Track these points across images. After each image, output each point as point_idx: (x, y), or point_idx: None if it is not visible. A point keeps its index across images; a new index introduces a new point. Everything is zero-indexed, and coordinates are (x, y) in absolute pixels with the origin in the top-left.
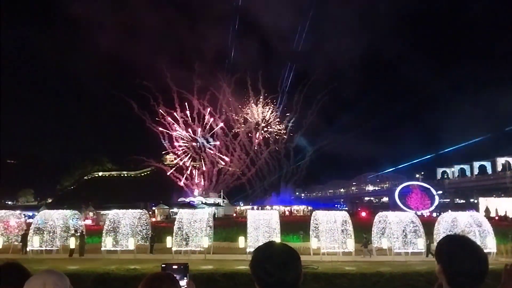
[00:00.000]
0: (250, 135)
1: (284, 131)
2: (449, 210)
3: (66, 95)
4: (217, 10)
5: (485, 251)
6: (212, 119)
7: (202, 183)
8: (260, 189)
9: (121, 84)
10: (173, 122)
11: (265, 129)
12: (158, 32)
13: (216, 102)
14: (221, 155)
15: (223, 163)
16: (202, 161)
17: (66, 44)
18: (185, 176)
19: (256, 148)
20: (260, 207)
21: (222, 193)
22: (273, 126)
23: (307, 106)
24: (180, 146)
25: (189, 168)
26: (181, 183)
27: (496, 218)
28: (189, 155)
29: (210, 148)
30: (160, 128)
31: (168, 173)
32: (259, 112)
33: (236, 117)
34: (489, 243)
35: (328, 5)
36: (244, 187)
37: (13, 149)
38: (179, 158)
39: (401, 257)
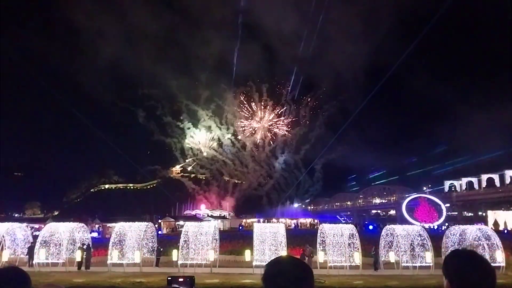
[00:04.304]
0: (257, 148)
1: (291, 141)
2: (457, 223)
3: (72, 107)
4: (222, 20)
5: (494, 265)
6: (219, 130)
7: (215, 196)
8: (273, 202)
9: (128, 95)
10: (183, 132)
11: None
12: (164, 42)
13: (222, 113)
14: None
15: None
16: (216, 172)
17: (72, 56)
18: (198, 187)
19: (264, 158)
20: (266, 220)
21: (228, 206)
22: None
23: (314, 117)
24: (192, 156)
25: (203, 180)
26: (198, 195)
27: (505, 231)
28: (201, 167)
29: (223, 160)
30: (172, 139)
31: (185, 184)
32: (265, 122)
33: (243, 128)
34: (498, 257)
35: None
36: (258, 200)
37: (19, 161)
38: (193, 169)
39: (408, 270)
